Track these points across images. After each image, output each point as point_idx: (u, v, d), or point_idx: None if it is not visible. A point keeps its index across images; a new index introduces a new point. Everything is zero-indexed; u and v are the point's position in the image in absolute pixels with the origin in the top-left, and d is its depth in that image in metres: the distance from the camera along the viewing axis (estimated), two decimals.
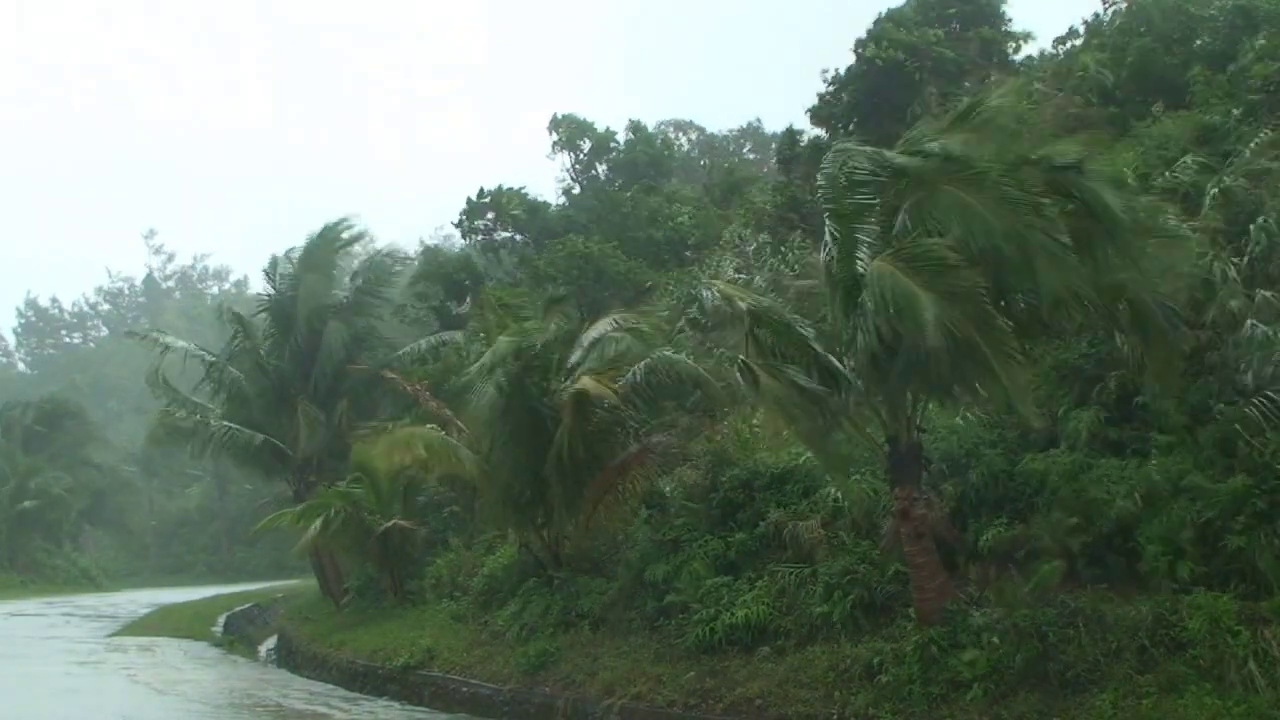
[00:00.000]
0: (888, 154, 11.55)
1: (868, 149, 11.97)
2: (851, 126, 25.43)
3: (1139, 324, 11.06)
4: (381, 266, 32.07)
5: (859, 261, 11.20)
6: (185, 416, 28.45)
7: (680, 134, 51.06)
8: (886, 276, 10.37)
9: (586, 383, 16.63)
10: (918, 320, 9.96)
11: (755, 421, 16.34)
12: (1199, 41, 19.20)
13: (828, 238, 11.87)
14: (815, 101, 26.97)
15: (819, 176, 12.38)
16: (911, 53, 25.25)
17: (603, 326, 18.27)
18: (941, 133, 11.41)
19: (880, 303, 10.38)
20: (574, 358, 17.96)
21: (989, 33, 27.02)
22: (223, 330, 30.69)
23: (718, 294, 12.92)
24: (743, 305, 12.23)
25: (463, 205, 37.47)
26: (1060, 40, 25.35)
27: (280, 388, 28.39)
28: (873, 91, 25.43)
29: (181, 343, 30.88)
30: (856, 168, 11.53)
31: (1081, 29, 24.67)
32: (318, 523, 22.17)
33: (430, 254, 39.74)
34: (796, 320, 12.34)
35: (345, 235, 30.50)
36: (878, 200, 11.49)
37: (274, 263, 30.24)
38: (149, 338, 31.26)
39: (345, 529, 22.44)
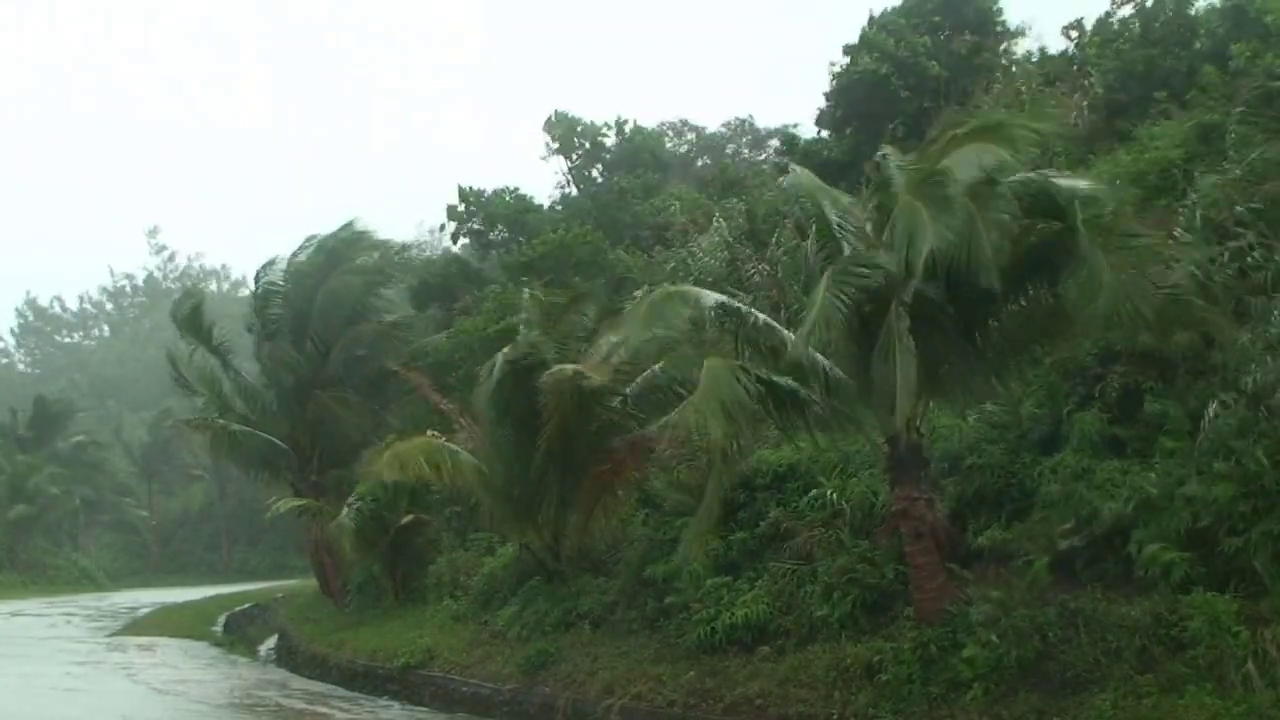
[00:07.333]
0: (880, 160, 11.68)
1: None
2: (847, 132, 25.79)
3: (1178, 313, 11.02)
4: (388, 266, 31.66)
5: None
6: (195, 418, 28.49)
7: (679, 135, 50.89)
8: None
9: (578, 367, 16.61)
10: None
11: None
12: (1197, 45, 19.17)
13: (812, 238, 11.98)
14: (822, 101, 27.32)
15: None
16: (895, 65, 25.27)
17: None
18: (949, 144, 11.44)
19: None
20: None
21: (972, 41, 26.66)
22: (225, 326, 30.49)
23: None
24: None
25: (453, 206, 37.43)
26: (1070, 27, 25.19)
27: (282, 387, 28.35)
28: (863, 100, 25.62)
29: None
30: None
31: (1087, 25, 24.53)
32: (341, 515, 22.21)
33: (429, 260, 39.75)
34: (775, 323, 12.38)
35: (349, 236, 30.28)
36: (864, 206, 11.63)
37: (272, 261, 30.11)
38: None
39: (362, 524, 22.36)
